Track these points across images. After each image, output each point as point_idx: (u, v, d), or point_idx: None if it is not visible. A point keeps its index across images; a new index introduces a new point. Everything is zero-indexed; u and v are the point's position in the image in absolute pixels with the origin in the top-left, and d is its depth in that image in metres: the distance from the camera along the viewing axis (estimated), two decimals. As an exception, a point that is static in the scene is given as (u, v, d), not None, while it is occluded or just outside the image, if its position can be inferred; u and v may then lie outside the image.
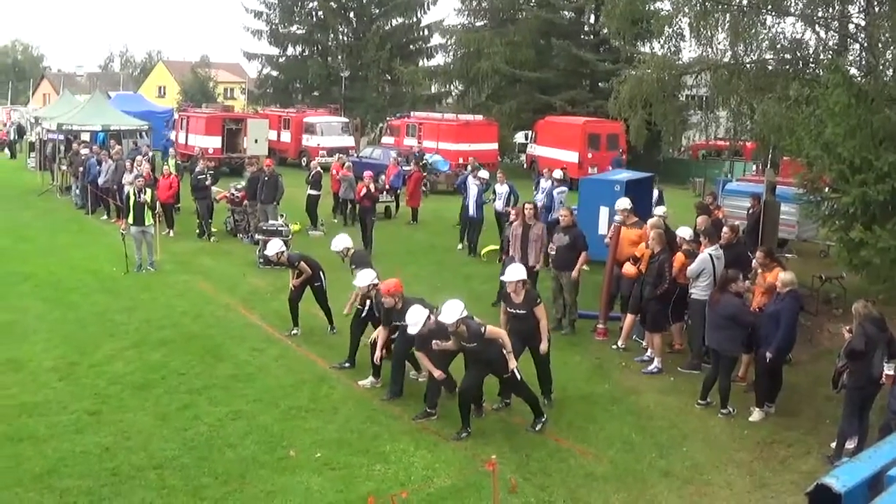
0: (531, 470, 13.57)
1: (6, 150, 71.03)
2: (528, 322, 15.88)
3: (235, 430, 14.96)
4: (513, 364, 14.57)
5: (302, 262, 20.17)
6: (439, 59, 76.79)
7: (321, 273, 20.41)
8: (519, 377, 14.83)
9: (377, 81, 79.42)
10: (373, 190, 30.67)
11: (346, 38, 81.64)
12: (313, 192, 34.23)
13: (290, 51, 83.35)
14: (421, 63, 79.00)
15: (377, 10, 79.66)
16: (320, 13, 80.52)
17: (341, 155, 44.09)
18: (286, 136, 60.85)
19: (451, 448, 14.25)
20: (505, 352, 14.57)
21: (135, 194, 27.21)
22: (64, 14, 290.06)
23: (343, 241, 19.89)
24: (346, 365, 18.00)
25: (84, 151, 40.79)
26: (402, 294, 16.30)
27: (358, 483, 13.14)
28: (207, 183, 32.78)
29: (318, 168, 35.26)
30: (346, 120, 64.05)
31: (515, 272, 16.15)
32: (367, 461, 13.85)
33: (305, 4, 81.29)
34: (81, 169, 39.54)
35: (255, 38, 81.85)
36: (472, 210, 30.44)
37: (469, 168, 33.97)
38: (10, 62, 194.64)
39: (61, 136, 46.27)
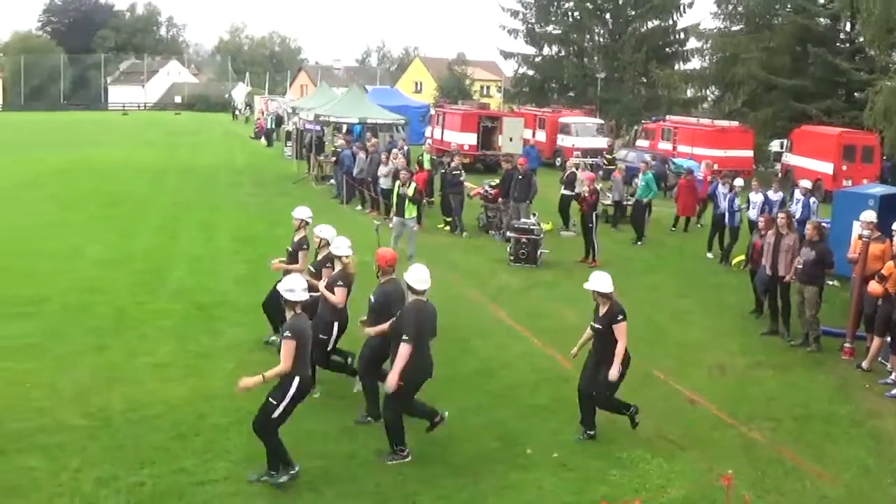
0: (766, 487, 13.26)
1: (263, 139, 73.35)
2: (604, 340, 14.42)
3: (474, 424, 15.12)
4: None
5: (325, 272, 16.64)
6: (695, 63, 75.95)
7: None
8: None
9: (633, 83, 79.01)
10: (587, 194, 29.71)
11: (602, 40, 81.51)
12: (567, 193, 34.15)
13: (546, 50, 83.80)
14: (677, 66, 77.95)
15: (633, 12, 79.15)
16: (576, 14, 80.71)
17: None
18: (541, 136, 60.96)
19: (688, 459, 14.08)
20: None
21: (398, 187, 28.03)
22: (322, 8, 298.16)
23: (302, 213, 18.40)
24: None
25: (340, 143, 42.00)
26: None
27: (592, 487, 13.04)
28: (461, 179, 33.32)
29: (573, 168, 35.11)
30: (601, 121, 63.86)
31: (596, 281, 14.50)
32: (603, 465, 13.75)
33: (562, 4, 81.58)
34: (335, 159, 40.79)
35: (512, 37, 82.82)
36: (726, 218, 30.06)
37: (721, 175, 33.56)
38: (268, 53, 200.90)
39: (318, 127, 47.56)
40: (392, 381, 13.03)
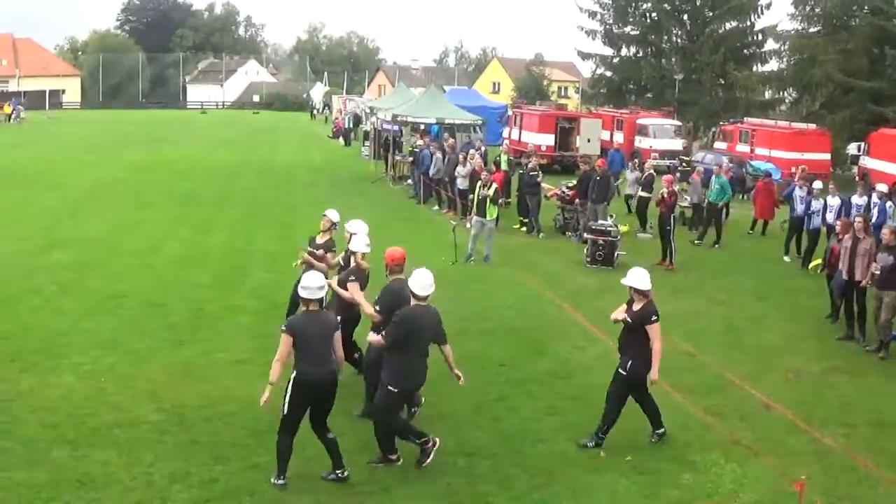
0: (838, 494, 13.11)
1: (341, 139, 73.74)
2: (632, 335, 14.27)
3: (549, 426, 15.12)
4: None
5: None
6: (772, 65, 75.28)
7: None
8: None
9: (710, 85, 78.42)
10: (666, 196, 29.16)
11: (679, 41, 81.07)
12: (644, 195, 34.02)
13: (623, 51, 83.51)
14: (754, 68, 77.28)
15: (711, 13, 78.51)
16: (654, 14, 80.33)
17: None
18: (619, 137, 60.87)
19: (761, 464, 13.97)
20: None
21: (479, 188, 28.06)
22: (400, 8, 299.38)
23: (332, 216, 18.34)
24: None
25: (419, 143, 42.11)
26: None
27: (664, 490, 13.02)
28: (539, 179, 33.24)
29: (652, 171, 34.97)
30: (679, 123, 63.58)
31: (634, 277, 14.38)
32: (676, 469, 13.70)
33: (639, 5, 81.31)
34: (412, 159, 40.90)
35: (590, 37, 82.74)
36: (805, 222, 29.66)
37: (796, 177, 33.14)
38: (346, 53, 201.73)
39: (396, 127, 47.70)
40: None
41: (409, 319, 12.97)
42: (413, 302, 13.17)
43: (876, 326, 20.23)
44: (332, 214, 18.36)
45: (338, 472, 12.67)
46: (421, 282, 13.18)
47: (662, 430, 14.66)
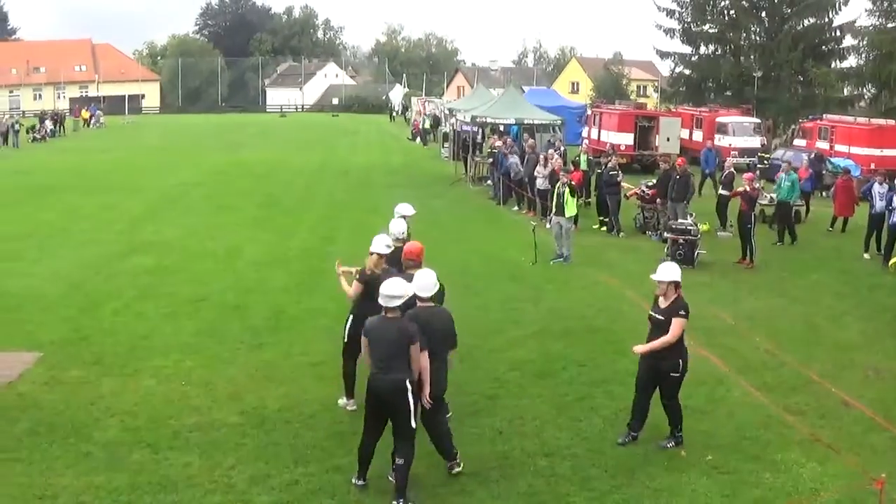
0: (920, 491, 13.07)
1: (418, 139, 73.95)
2: (664, 333, 14.03)
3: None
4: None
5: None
6: (851, 61, 74.42)
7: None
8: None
9: (789, 82, 77.73)
10: (750, 190, 28.96)
11: (758, 38, 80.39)
12: (725, 193, 33.80)
13: (702, 49, 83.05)
14: (833, 64, 76.53)
15: (789, 10, 77.76)
16: (732, 12, 79.79)
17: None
18: (698, 136, 60.57)
19: (841, 462, 13.83)
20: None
21: (557, 188, 28.17)
22: (478, 9, 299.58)
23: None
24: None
25: (497, 144, 42.11)
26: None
27: (745, 489, 12.96)
28: (618, 179, 33.13)
29: (732, 168, 34.79)
30: (758, 120, 63.29)
31: (666, 271, 14.35)
32: (756, 468, 13.61)
33: (718, 3, 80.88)
34: (491, 160, 40.94)
35: (668, 36, 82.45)
36: (887, 218, 29.24)
37: (876, 174, 32.69)
38: (425, 55, 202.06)
39: (475, 128, 47.72)
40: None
41: (417, 320, 12.58)
42: (419, 303, 12.89)
43: None
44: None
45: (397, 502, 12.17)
46: (421, 283, 12.84)
47: (636, 434, 14.53)
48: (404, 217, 17.41)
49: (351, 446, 13.25)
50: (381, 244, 15.30)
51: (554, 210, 28.26)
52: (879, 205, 29.86)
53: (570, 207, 27.95)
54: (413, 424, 12.13)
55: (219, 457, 13.33)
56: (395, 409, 12.15)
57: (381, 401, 12.17)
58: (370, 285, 14.11)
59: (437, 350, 12.61)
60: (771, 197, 33.92)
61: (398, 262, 14.77)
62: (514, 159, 38.19)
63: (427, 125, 77.39)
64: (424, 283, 12.83)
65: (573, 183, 28.41)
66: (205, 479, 12.64)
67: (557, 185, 28.66)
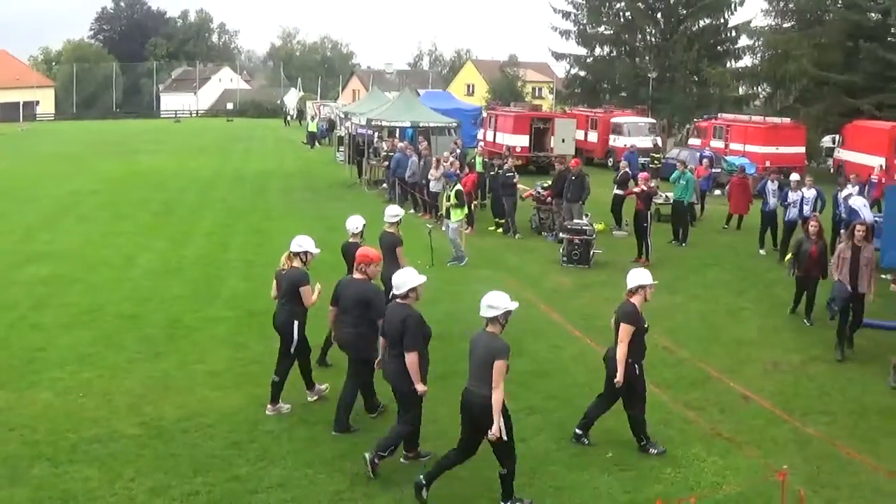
0: (821, 482, 13.25)
1: (309, 142, 74.23)
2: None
3: (529, 425, 15.06)
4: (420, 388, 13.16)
5: None
6: (746, 61, 75.43)
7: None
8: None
9: (685, 82, 78.69)
10: (646, 189, 29.42)
11: (653, 39, 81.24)
12: (619, 192, 34.09)
13: (597, 51, 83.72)
14: (728, 64, 77.51)
15: (685, 11, 78.73)
16: (628, 14, 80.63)
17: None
18: (593, 136, 61.31)
19: (743, 456, 14.10)
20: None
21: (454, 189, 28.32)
22: (373, 13, 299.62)
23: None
24: None
25: (384, 146, 42.29)
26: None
27: (646, 485, 13.07)
28: (514, 180, 33.32)
29: (627, 168, 35.19)
30: (653, 121, 64.13)
31: (644, 275, 14.37)
32: (657, 464, 13.78)
33: (613, 5, 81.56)
34: (387, 163, 41.04)
35: (563, 38, 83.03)
36: (784, 215, 29.81)
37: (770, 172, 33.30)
38: (320, 58, 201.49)
39: (370, 132, 47.79)
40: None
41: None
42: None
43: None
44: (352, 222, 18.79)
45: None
46: (397, 280, 13.26)
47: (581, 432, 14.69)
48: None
49: (249, 455, 13.33)
50: (307, 244, 15.82)
51: (445, 213, 28.44)
52: (773, 202, 30.47)
53: (455, 214, 28.09)
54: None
55: (119, 469, 13.13)
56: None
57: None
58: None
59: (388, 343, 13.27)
60: (666, 196, 34.36)
61: (353, 258, 15.38)
62: (414, 158, 38.27)
63: (312, 128, 77.63)
64: (399, 280, 13.25)
65: (457, 196, 28.46)
66: (105, 491, 12.46)
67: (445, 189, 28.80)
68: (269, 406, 15.47)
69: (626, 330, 13.85)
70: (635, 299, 14.11)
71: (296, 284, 15.30)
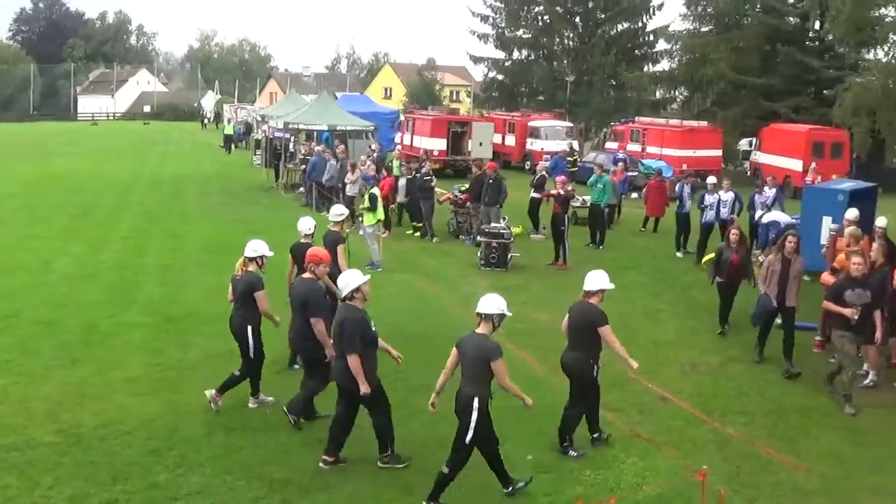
0: (741, 482, 13.41)
1: (223, 145, 73.89)
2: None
3: (449, 429, 14.97)
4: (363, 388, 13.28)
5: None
6: (664, 65, 76.38)
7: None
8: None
9: (602, 86, 79.36)
10: (564, 193, 29.52)
11: (571, 43, 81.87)
12: (536, 196, 34.18)
13: (515, 55, 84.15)
14: (646, 68, 78.46)
15: (603, 15, 79.58)
16: (546, 18, 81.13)
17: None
18: (510, 140, 61.48)
19: (662, 457, 14.21)
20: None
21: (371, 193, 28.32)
22: (291, 15, 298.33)
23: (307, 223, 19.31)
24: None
25: (317, 148, 42.22)
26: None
27: (567, 487, 13.13)
28: (431, 184, 33.39)
29: (544, 172, 35.33)
30: (571, 124, 64.35)
31: (592, 280, 15.04)
32: (577, 465, 13.86)
33: (531, 9, 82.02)
34: (304, 167, 41.01)
35: (482, 41, 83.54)
36: (701, 217, 30.25)
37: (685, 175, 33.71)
38: (238, 61, 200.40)
39: (287, 135, 47.76)
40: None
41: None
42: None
43: (833, 384, 17.66)
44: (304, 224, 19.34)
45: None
46: (341, 282, 13.79)
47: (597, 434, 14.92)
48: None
49: (167, 463, 13.29)
50: (261, 248, 16.13)
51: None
52: (688, 204, 30.86)
53: (368, 218, 28.11)
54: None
55: (37, 477, 12.99)
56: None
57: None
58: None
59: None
60: (583, 199, 34.62)
61: (303, 259, 15.92)
62: (332, 162, 38.24)
63: (228, 131, 77.30)
64: (343, 281, 13.63)
65: (370, 200, 28.45)
66: (24, 500, 12.35)
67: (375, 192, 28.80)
68: (251, 399, 15.94)
69: (607, 330, 14.44)
70: (594, 300, 14.60)
71: (250, 289, 15.43)
